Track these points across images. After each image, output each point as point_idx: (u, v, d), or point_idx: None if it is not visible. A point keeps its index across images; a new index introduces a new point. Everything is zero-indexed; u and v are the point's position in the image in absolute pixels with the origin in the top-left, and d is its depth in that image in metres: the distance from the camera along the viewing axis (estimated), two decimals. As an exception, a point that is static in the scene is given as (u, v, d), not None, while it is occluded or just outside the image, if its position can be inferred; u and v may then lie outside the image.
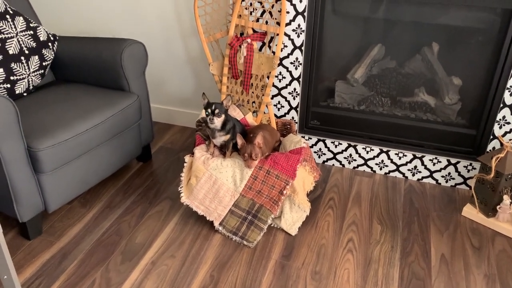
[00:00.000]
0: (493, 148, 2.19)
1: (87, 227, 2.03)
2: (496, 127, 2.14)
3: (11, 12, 2.13)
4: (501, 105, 2.08)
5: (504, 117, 2.10)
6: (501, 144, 2.14)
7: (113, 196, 2.23)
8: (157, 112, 2.95)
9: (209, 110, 1.90)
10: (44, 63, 2.25)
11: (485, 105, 2.14)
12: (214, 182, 1.96)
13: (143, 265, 1.83)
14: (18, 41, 2.12)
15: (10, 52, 2.09)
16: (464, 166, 2.28)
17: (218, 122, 1.93)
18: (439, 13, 2.12)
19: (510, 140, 2.12)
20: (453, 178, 2.32)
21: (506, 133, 2.14)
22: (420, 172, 2.37)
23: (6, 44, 2.07)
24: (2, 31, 2.07)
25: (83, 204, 2.18)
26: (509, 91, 2.04)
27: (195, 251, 1.90)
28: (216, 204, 1.98)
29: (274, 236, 1.99)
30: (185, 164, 2.04)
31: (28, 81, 2.18)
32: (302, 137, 2.37)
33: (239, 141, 1.97)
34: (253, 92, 2.33)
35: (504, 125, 2.12)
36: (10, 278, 1.38)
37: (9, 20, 2.11)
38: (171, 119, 2.94)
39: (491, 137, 2.17)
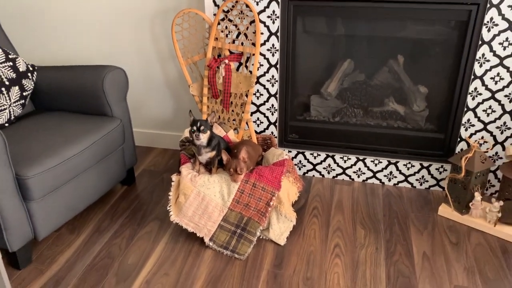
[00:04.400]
0: (461, 149, 2.35)
1: (77, 252, 2.04)
2: (462, 129, 2.30)
3: (-11, 44, 2.16)
4: (465, 109, 2.24)
5: (468, 120, 2.26)
6: (468, 145, 2.30)
7: (101, 221, 2.25)
8: (137, 135, 2.99)
9: (195, 127, 1.97)
10: (24, 93, 2.27)
11: (451, 110, 2.30)
12: (202, 198, 2.02)
13: (137, 285, 1.85)
14: (-2, 73, 2.15)
15: (-9, 83, 2.10)
16: (436, 169, 2.42)
17: (204, 138, 2.00)
18: (402, 27, 2.28)
19: (475, 141, 2.28)
20: (427, 181, 2.46)
21: (471, 134, 2.29)
22: (395, 177, 2.49)
23: (-13, 76, 2.09)
24: (-18, 63, 2.09)
25: (71, 230, 2.18)
26: (471, 96, 2.20)
27: (188, 268, 1.94)
28: (206, 220, 2.03)
29: (264, 248, 2.05)
30: (172, 183, 2.08)
31: (10, 112, 2.20)
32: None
33: (225, 156, 2.04)
34: (233, 110, 2.41)
35: (469, 127, 2.28)
36: (9, 304, 1.38)
37: (-12, 52, 2.13)
38: (151, 142, 2.99)
39: (459, 139, 2.33)
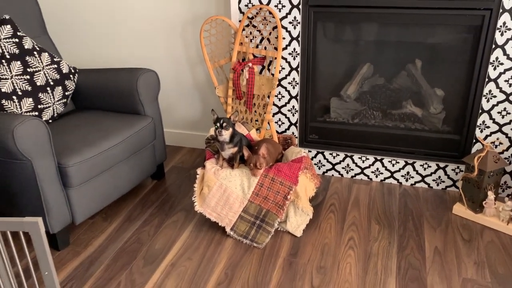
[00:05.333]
0: (477, 151, 2.40)
1: (110, 238, 2.22)
2: (477, 131, 2.36)
3: (37, 48, 2.40)
4: (480, 111, 2.31)
5: (484, 121, 2.33)
6: (482, 145, 2.35)
7: (132, 211, 2.43)
8: (167, 135, 3.18)
9: (218, 124, 2.13)
10: (66, 93, 2.50)
11: (466, 112, 2.37)
12: (224, 190, 2.17)
13: (163, 267, 2.01)
14: (44, 74, 2.38)
15: (38, 83, 2.34)
16: (452, 169, 2.48)
17: (226, 134, 2.15)
18: (419, 32, 2.38)
19: (491, 143, 2.33)
20: (443, 181, 2.52)
21: (487, 136, 2.35)
22: (412, 177, 2.57)
23: (34, 76, 2.33)
24: (30, 65, 2.33)
25: (104, 218, 2.38)
26: (485, 98, 2.27)
27: (210, 254, 2.08)
28: (227, 211, 2.18)
29: (281, 238, 2.18)
30: (197, 176, 2.25)
31: (53, 109, 2.43)
32: (302, 150, 2.59)
33: (246, 152, 2.19)
34: (255, 111, 2.57)
35: (484, 129, 2.34)
36: (50, 274, 1.56)
37: (36, 56, 2.37)
38: (180, 141, 3.17)
39: (474, 141, 2.39)
